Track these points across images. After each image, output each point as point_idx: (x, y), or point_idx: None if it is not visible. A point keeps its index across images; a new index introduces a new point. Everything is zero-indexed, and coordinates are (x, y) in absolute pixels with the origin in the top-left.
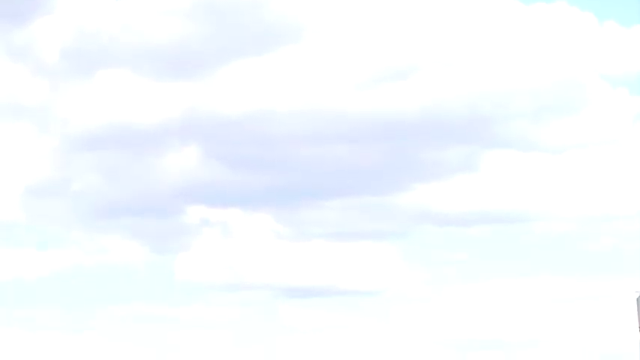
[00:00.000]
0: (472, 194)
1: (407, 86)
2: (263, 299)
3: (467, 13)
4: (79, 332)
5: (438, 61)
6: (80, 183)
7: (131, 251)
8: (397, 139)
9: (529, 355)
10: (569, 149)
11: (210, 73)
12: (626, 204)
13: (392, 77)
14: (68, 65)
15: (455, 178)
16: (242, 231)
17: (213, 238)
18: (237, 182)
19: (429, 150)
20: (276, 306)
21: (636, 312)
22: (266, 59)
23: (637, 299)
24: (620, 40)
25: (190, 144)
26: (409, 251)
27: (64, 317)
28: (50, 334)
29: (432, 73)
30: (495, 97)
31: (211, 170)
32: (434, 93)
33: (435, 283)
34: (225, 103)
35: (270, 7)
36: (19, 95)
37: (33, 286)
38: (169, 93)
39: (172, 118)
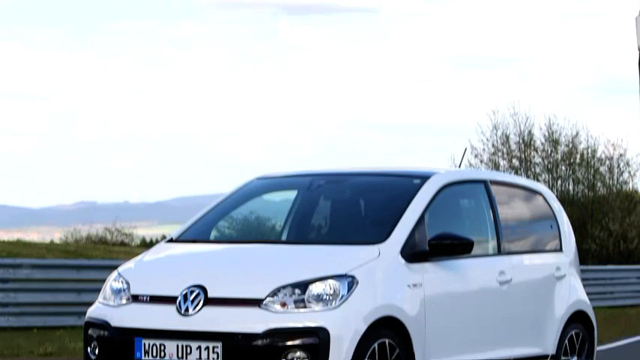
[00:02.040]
0: None
1: None
2: (263, 16)
3: None
4: (78, 50)
5: None
6: None
7: None
8: None
9: (528, 71)
10: None
11: None
12: None
13: None
14: None
15: None
16: None
17: None
18: None
19: None
20: (276, 23)
21: (635, 30)
22: None
23: (636, 18)
24: None
25: None
26: None
27: (61, 36)
28: (48, 53)
29: None
30: None
31: None
32: None
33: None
34: None
35: None
36: None
37: (32, 4)
38: None
39: None
